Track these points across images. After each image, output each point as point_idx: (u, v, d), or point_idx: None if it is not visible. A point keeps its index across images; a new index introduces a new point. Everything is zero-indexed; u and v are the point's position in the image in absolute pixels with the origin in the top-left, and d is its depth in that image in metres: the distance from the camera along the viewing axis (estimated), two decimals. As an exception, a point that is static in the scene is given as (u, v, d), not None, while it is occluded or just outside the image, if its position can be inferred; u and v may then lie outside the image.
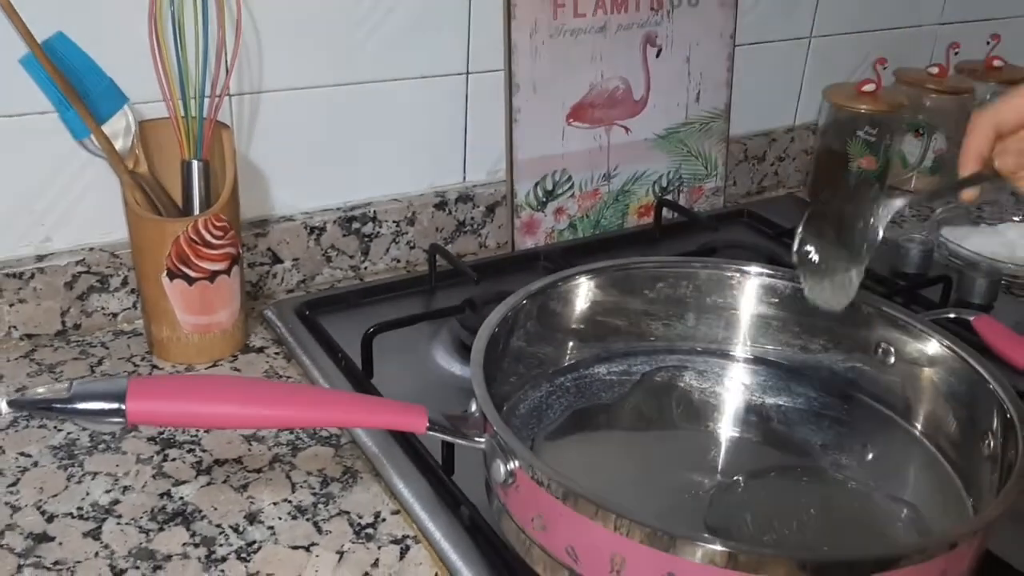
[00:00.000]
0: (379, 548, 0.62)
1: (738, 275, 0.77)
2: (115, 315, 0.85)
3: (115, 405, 0.52)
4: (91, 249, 0.83)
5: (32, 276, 0.80)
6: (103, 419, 0.53)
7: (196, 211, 0.80)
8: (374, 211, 0.95)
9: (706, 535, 0.52)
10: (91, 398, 0.52)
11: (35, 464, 0.68)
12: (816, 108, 1.23)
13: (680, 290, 0.77)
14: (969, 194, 0.67)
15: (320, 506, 0.65)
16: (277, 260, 0.92)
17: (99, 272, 0.83)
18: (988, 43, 1.28)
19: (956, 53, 1.24)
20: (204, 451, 0.70)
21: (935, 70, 1.22)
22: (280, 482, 0.67)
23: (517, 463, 0.55)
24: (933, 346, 0.69)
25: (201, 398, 0.54)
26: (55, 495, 0.65)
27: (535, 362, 0.73)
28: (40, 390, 0.53)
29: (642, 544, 0.50)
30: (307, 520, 0.64)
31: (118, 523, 0.63)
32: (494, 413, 0.57)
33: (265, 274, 0.92)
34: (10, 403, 0.52)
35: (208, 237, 0.76)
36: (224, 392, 0.54)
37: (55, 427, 0.71)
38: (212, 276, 0.78)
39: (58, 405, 0.52)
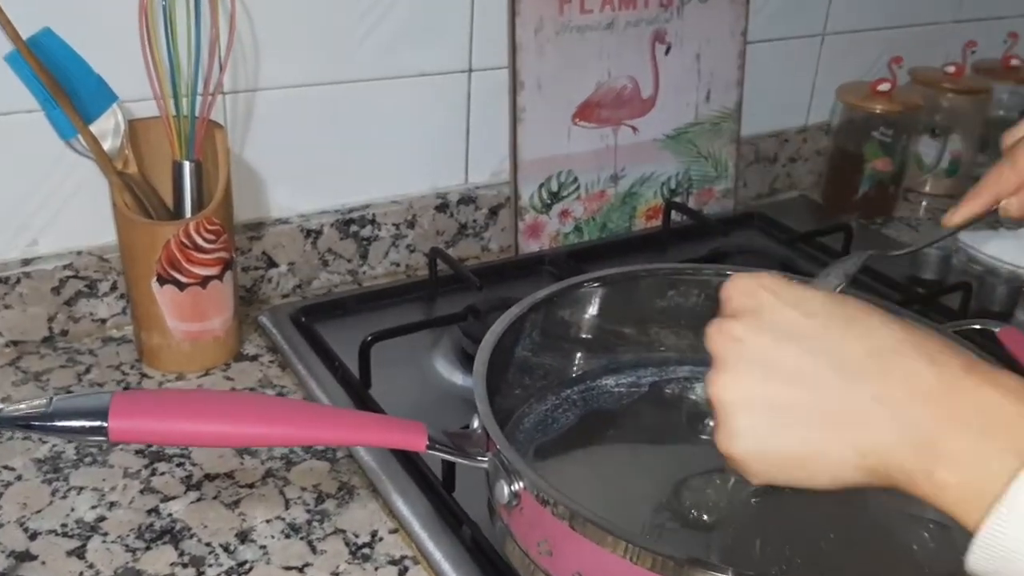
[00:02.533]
0: (376, 569, 0.60)
1: (752, 283, 0.74)
2: (104, 321, 0.82)
3: (97, 423, 0.49)
4: (79, 253, 0.80)
5: (18, 281, 0.78)
6: (85, 436, 0.50)
7: (188, 214, 0.77)
8: (373, 213, 0.92)
9: (719, 563, 0.49)
10: (72, 415, 0.50)
11: (18, 478, 0.66)
12: (829, 108, 1.20)
13: (692, 299, 0.74)
14: None
15: (315, 524, 0.63)
16: (272, 264, 0.89)
17: (87, 277, 0.80)
18: (1005, 42, 1.25)
19: (973, 52, 1.21)
20: (194, 465, 0.67)
21: (951, 69, 1.19)
22: (273, 498, 0.65)
23: (522, 484, 0.52)
24: (957, 359, 0.66)
25: (187, 415, 0.51)
26: (39, 511, 0.63)
27: (540, 373, 0.70)
28: (20, 406, 0.50)
29: (652, 572, 0.48)
30: (301, 539, 0.62)
31: (103, 541, 0.61)
32: (497, 431, 0.54)
33: (260, 279, 0.89)
34: (-13, 419, 0.50)
35: (200, 241, 0.74)
36: (211, 409, 0.52)
37: (39, 440, 0.69)
38: (204, 281, 0.75)
39: (37, 423, 0.49)
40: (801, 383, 0.41)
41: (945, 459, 0.38)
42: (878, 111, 1.11)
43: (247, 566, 0.59)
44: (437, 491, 0.64)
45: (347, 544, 0.62)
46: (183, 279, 0.74)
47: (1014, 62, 1.25)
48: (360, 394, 0.74)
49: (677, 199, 1.07)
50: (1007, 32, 1.25)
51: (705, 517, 0.60)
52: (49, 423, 0.49)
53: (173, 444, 0.68)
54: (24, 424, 0.50)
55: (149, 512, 0.63)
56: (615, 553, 0.49)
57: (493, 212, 1.00)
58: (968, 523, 0.38)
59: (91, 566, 0.59)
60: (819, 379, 0.41)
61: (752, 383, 0.43)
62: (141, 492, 0.65)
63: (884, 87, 1.11)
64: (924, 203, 1.21)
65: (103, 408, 0.50)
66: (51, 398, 0.50)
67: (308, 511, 0.64)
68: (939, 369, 0.40)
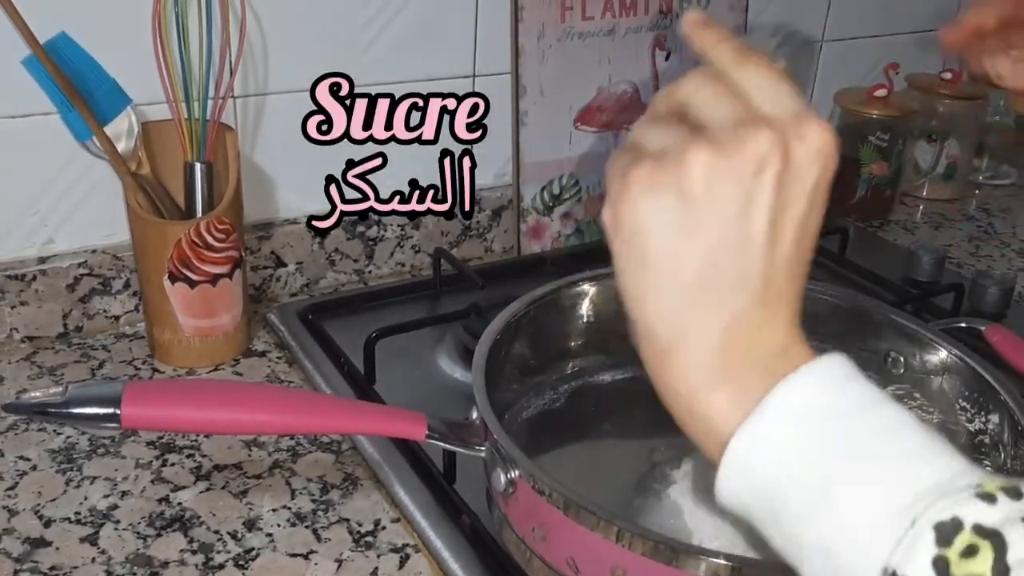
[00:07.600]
0: (379, 556, 0.62)
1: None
2: (117, 318, 0.84)
3: (110, 410, 0.51)
4: (93, 251, 0.82)
5: (34, 278, 0.80)
6: (98, 424, 0.52)
7: (199, 213, 0.79)
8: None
9: (709, 548, 0.51)
10: (87, 403, 0.52)
11: (33, 468, 0.67)
12: (827, 113, 1.22)
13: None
14: None
15: (320, 513, 0.65)
16: (280, 264, 0.91)
17: (101, 274, 0.82)
18: (1002, 48, 1.26)
19: (970, 58, 1.22)
20: (204, 456, 0.69)
21: (948, 75, 1.20)
22: (280, 488, 0.67)
23: (517, 472, 0.54)
24: (943, 356, 0.67)
25: (197, 403, 0.53)
26: (53, 499, 0.65)
27: (538, 368, 0.72)
28: (36, 394, 0.52)
29: (644, 556, 0.50)
30: (306, 527, 0.63)
31: (116, 528, 0.63)
32: (494, 421, 0.56)
33: (268, 278, 0.91)
34: (5, 407, 0.52)
35: (210, 240, 0.76)
36: (220, 397, 0.54)
37: (54, 431, 0.71)
38: (214, 279, 0.77)
39: (53, 409, 0.51)
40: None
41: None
42: (875, 116, 1.12)
43: (254, 553, 0.61)
44: (438, 482, 0.66)
45: (351, 532, 0.63)
46: (194, 277, 0.76)
47: (1011, 68, 1.26)
48: (365, 389, 0.76)
49: (677, 202, 1.09)
50: (1004, 39, 1.26)
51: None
52: (65, 410, 0.51)
53: (182, 430, 0.69)
54: (41, 411, 0.52)
55: (160, 501, 0.65)
56: (607, 538, 0.50)
57: (496, 214, 1.01)
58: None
59: (103, 552, 0.61)
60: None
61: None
62: (152, 482, 0.67)
63: (881, 92, 1.12)
64: (921, 207, 1.22)
65: (116, 396, 0.52)
66: (66, 386, 0.52)
67: (313, 501, 0.66)
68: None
